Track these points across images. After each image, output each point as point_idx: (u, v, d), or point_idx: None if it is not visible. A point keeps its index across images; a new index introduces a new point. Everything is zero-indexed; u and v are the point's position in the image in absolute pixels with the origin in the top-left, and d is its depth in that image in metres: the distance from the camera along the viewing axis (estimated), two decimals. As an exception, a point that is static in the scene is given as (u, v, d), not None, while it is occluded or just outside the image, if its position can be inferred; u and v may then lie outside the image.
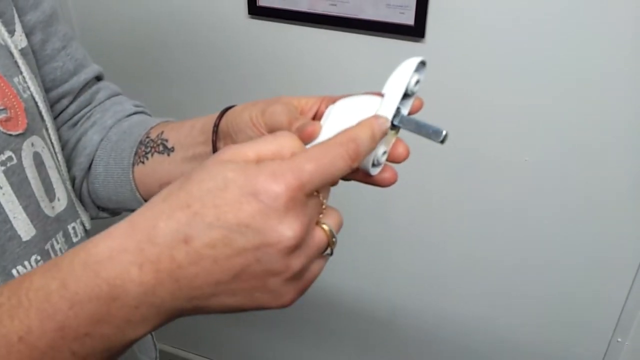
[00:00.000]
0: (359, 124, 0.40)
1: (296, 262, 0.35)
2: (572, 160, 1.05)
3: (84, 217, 0.63)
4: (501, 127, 1.08)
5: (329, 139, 0.38)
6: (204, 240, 0.33)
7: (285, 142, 0.37)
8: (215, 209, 0.33)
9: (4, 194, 0.49)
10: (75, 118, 0.66)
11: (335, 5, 1.09)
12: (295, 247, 0.35)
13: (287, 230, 0.34)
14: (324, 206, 0.38)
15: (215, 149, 0.54)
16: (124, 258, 0.33)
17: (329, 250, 0.39)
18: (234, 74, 1.27)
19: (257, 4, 1.15)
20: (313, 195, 0.36)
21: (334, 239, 0.38)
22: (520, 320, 1.26)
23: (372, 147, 0.39)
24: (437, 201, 1.21)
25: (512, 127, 1.07)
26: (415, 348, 1.43)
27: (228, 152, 0.36)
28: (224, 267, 0.34)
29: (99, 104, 0.67)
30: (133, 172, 0.62)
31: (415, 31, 1.04)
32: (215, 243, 0.33)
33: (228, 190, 0.34)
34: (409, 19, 1.04)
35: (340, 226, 0.39)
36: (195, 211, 0.34)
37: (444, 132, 0.42)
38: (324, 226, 0.38)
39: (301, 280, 0.37)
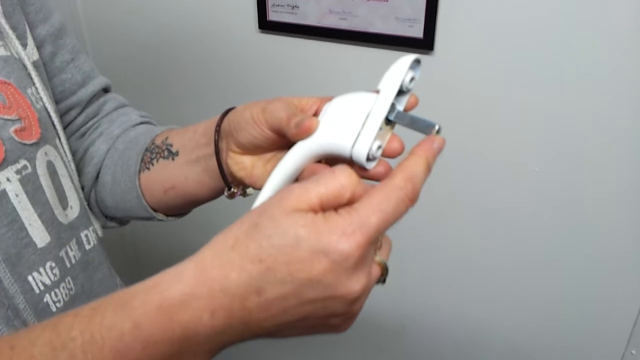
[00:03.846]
0: (414, 154, 0.40)
1: (358, 306, 0.38)
2: (582, 171, 1.04)
3: (96, 225, 0.64)
4: (511, 138, 1.07)
5: (387, 181, 0.38)
6: (275, 293, 0.35)
7: (345, 181, 0.37)
8: (287, 266, 0.35)
9: (20, 202, 0.50)
10: (83, 129, 0.67)
11: (345, 19, 1.10)
12: (361, 296, 0.37)
13: (356, 284, 0.36)
14: (379, 243, 0.39)
15: (217, 149, 0.55)
16: (197, 304, 0.35)
17: (381, 279, 0.40)
18: (244, 88, 1.28)
19: (267, 19, 1.16)
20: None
21: (386, 270, 0.40)
22: (532, 332, 1.24)
23: (428, 176, 0.39)
24: (446, 210, 1.20)
25: (522, 137, 1.06)
26: (425, 357, 1.41)
27: (292, 198, 0.36)
28: (292, 313, 0.36)
29: (106, 114, 0.68)
30: (139, 179, 0.63)
31: (424, 44, 1.04)
32: (286, 296, 0.35)
33: (300, 248, 0.35)
34: (418, 31, 1.04)
35: (389, 253, 0.41)
36: (268, 266, 0.35)
37: (437, 126, 0.42)
38: (378, 259, 0.39)
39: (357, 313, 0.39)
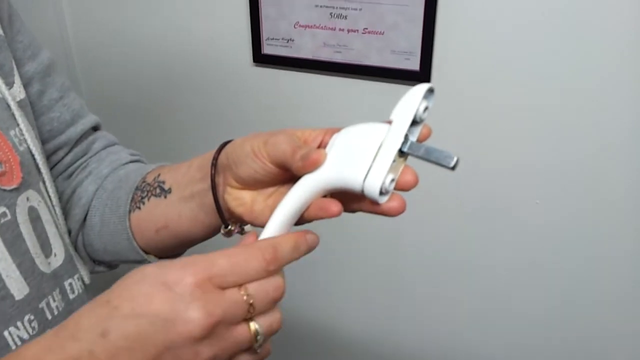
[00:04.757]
0: (285, 235, 0.43)
1: (205, 351, 0.37)
2: (585, 202, 1.02)
3: (83, 272, 0.61)
4: (509, 170, 1.06)
5: (253, 243, 0.41)
6: (118, 332, 0.35)
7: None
8: (130, 302, 0.36)
9: None
10: (71, 169, 0.64)
11: (339, 52, 1.09)
12: (203, 336, 0.36)
13: (192, 317, 0.36)
14: (251, 302, 0.39)
15: (213, 184, 0.52)
16: (48, 358, 0.35)
17: (256, 346, 0.40)
18: (239, 121, 1.26)
19: (262, 52, 1.15)
20: (231, 290, 0.38)
21: (258, 338, 0.39)
22: (532, 357, 1.21)
23: (295, 257, 0.42)
24: (448, 236, 1.18)
25: (521, 170, 1.05)
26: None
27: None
28: (139, 357, 0.36)
29: (95, 153, 0.65)
30: (129, 219, 0.60)
31: (420, 76, 1.03)
32: (128, 334, 0.35)
33: (144, 282, 0.37)
34: (414, 64, 1.04)
35: (273, 330, 0.41)
36: (114, 305, 0.36)
37: (456, 158, 0.40)
38: (252, 324, 0.39)
39: None
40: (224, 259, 0.38)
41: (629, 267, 1.04)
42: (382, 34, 1.04)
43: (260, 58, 1.16)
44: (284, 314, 0.42)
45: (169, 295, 0.36)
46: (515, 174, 1.06)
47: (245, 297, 0.38)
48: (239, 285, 0.39)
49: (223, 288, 0.38)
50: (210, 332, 0.36)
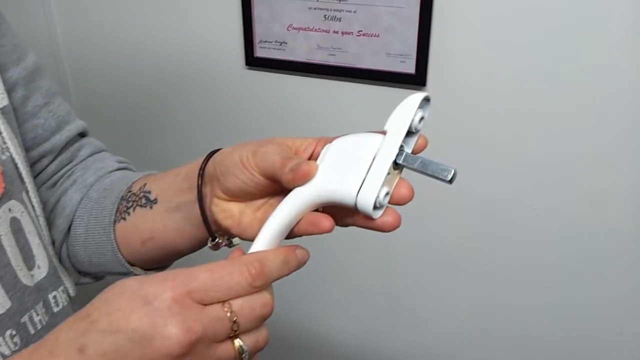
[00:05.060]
0: (274, 249, 0.41)
1: None
2: (582, 208, 1.01)
3: (68, 284, 0.59)
4: (505, 175, 1.05)
5: (238, 257, 0.39)
6: (96, 348, 0.34)
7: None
8: (108, 316, 0.35)
9: None
10: (55, 177, 0.62)
11: (334, 55, 1.07)
12: (182, 353, 0.35)
13: (171, 333, 0.34)
14: (234, 319, 0.37)
15: (200, 195, 0.50)
16: None
17: None
18: (231, 126, 1.24)
19: (254, 55, 1.13)
20: (213, 306, 0.37)
21: (243, 356, 0.38)
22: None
23: (284, 273, 0.40)
24: (443, 249, 1.16)
25: (517, 174, 1.04)
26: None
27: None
28: None
29: (81, 161, 0.63)
30: (114, 230, 0.58)
31: (416, 79, 1.02)
32: (106, 351, 0.34)
33: (123, 296, 0.36)
34: (409, 67, 1.02)
35: (259, 347, 0.39)
36: (92, 319, 0.35)
37: (453, 171, 0.39)
38: (236, 341, 0.38)
39: None
40: (206, 273, 0.37)
41: (629, 267, 1.03)
42: (377, 36, 1.02)
43: (253, 61, 1.14)
44: (275, 319, 0.40)
45: (147, 310, 0.35)
46: (512, 176, 1.04)
47: (228, 314, 0.37)
48: (223, 302, 0.37)
49: (205, 304, 0.37)
50: (190, 349, 0.35)
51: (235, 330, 0.37)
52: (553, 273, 1.09)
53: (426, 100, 0.42)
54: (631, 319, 1.06)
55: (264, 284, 0.38)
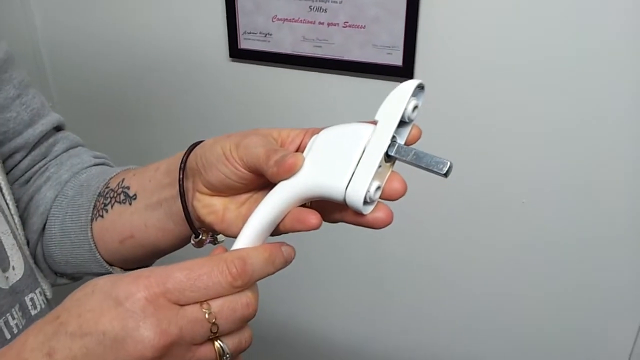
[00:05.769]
0: (258, 246, 0.39)
1: None
2: (571, 201, 1.00)
3: (45, 285, 0.56)
4: (494, 167, 1.04)
5: (217, 255, 0.37)
6: (64, 353, 0.33)
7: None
8: (78, 318, 0.33)
9: None
10: (29, 174, 0.59)
11: (319, 46, 1.05)
12: (156, 357, 0.33)
13: (144, 336, 0.33)
14: (214, 320, 0.35)
15: (182, 190, 0.47)
16: None
17: None
18: (215, 119, 1.22)
19: (239, 47, 1.11)
20: (191, 306, 0.35)
21: (224, 358, 0.36)
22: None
23: (269, 272, 0.38)
24: (434, 241, 1.15)
25: (507, 167, 1.03)
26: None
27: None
28: None
29: (55, 157, 0.60)
30: (92, 229, 0.55)
31: (403, 71, 1.00)
32: (75, 355, 0.33)
33: (94, 296, 0.34)
34: (397, 59, 1.00)
35: (242, 349, 0.38)
36: (61, 321, 0.33)
37: (449, 163, 0.37)
38: (217, 343, 0.36)
39: None
40: (183, 272, 0.35)
41: (619, 260, 1.03)
42: (364, 27, 1.00)
43: (237, 53, 1.12)
44: (263, 320, 0.38)
45: (118, 312, 0.33)
46: (502, 171, 1.03)
47: (207, 315, 0.35)
48: (201, 302, 0.35)
49: (181, 304, 0.35)
50: (165, 352, 0.33)
51: (215, 332, 0.36)
52: (543, 265, 1.08)
53: (420, 87, 0.39)
54: (621, 312, 1.06)
55: (245, 284, 0.36)
